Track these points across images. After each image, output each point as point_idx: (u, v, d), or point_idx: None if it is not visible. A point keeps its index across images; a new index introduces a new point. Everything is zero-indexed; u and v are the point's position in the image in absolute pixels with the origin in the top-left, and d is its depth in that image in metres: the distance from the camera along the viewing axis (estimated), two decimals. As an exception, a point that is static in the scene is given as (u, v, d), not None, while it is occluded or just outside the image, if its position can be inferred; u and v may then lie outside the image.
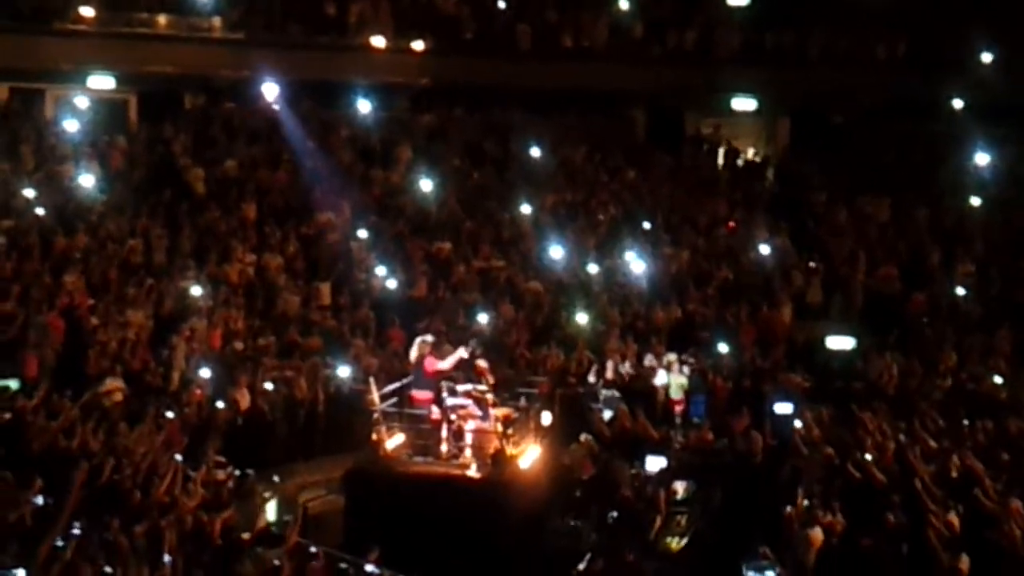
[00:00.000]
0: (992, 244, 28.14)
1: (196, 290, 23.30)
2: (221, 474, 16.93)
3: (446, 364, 18.25)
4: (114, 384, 19.81)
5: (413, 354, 18.60)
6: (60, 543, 13.80)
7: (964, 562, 14.21)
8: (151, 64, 31.06)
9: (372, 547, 15.42)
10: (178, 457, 16.99)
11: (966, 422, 19.40)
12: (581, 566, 16.45)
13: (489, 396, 18.29)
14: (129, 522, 14.68)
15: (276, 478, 17.78)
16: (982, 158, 30.10)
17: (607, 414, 20.86)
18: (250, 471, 17.71)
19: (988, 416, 19.57)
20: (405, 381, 18.80)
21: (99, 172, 27.12)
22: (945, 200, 30.13)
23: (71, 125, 28.96)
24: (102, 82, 30.72)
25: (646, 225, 28.33)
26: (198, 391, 20.03)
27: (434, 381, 18.18)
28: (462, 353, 18.38)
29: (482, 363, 18.70)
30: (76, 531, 14.38)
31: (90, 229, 24.90)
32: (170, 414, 18.79)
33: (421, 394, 18.29)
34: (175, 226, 25.81)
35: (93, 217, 25.44)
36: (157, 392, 19.95)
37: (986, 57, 32.42)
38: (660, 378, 22.35)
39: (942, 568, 14.28)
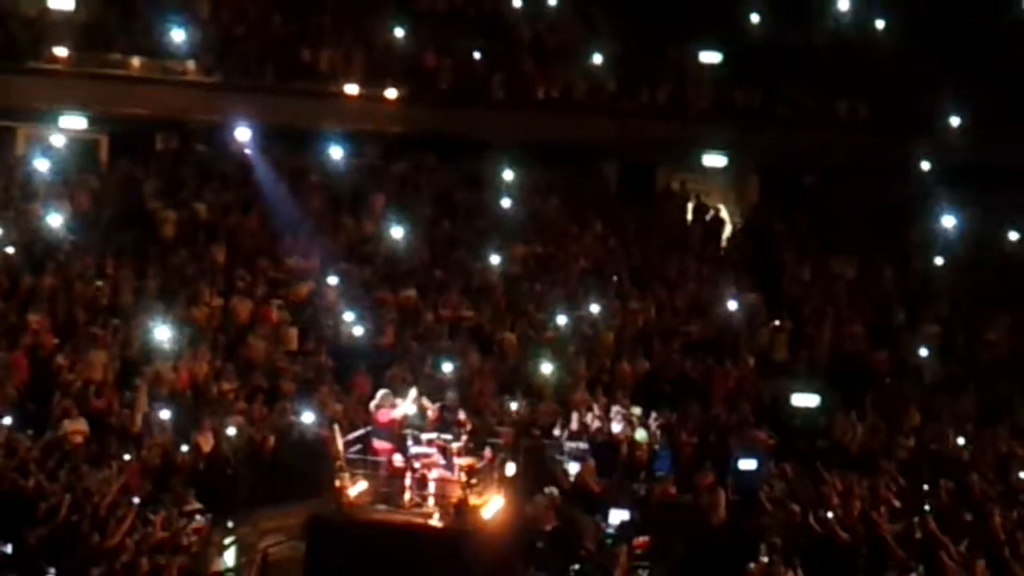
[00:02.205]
0: (957, 305, 28.33)
1: (162, 332, 23.16)
2: (198, 521, 16.80)
3: (397, 413, 18.30)
4: (75, 426, 19.68)
5: (372, 405, 18.65)
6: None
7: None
8: (123, 105, 30.97)
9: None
10: (136, 500, 16.86)
11: (928, 484, 19.45)
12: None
13: (454, 445, 18.27)
14: (86, 565, 14.57)
15: (233, 524, 17.59)
16: (948, 220, 30.37)
17: (571, 466, 20.82)
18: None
19: (951, 477, 19.65)
20: (368, 429, 18.75)
21: (68, 212, 27.02)
22: (911, 260, 30.34)
23: (42, 164, 28.84)
24: (74, 122, 30.60)
25: (615, 278, 28.41)
26: (160, 434, 19.91)
27: (390, 432, 18.19)
28: (407, 408, 18.42)
29: (460, 413, 18.80)
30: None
31: (57, 268, 24.79)
32: (129, 457, 18.65)
33: (379, 444, 18.30)
34: (143, 267, 25.71)
35: (61, 256, 25.32)
36: (119, 434, 19.80)
37: (953, 120, 32.76)
38: (625, 431, 22.30)
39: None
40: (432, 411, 18.76)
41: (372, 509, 17.95)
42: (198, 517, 16.86)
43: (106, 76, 31.20)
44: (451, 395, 19.33)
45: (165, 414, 20.59)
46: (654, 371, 25.30)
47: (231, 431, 20.60)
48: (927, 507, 17.88)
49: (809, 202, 33.23)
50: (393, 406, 18.40)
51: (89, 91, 30.79)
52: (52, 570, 14.37)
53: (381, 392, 18.99)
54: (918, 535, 16.74)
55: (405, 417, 18.36)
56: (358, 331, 25.17)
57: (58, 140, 30.36)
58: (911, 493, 18.96)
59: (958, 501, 18.29)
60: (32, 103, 30.42)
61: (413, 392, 18.82)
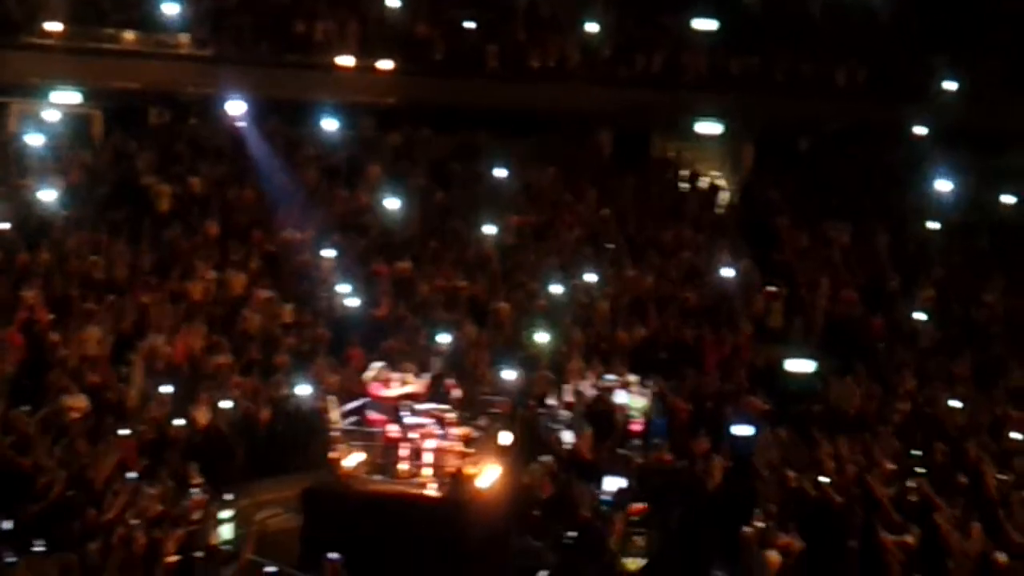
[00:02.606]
0: (952, 269, 28.36)
1: (157, 306, 23.20)
2: (195, 495, 16.86)
3: (392, 393, 18.39)
4: (72, 401, 19.72)
5: (368, 376, 18.72)
6: (13, 559, 13.75)
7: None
8: (117, 80, 30.96)
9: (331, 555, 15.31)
10: (133, 475, 16.92)
11: (923, 448, 19.51)
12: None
13: (449, 415, 18.35)
14: (83, 539, 14.64)
15: (231, 497, 17.65)
16: (943, 184, 30.34)
17: (567, 434, 20.88)
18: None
19: (946, 440, 19.72)
20: (364, 400, 18.84)
21: (62, 187, 27.02)
22: (907, 225, 30.34)
23: (35, 139, 28.80)
24: (67, 97, 30.53)
25: (610, 246, 28.43)
26: (156, 408, 19.96)
27: (383, 404, 18.31)
28: (410, 388, 18.52)
29: (449, 380, 18.85)
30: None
31: (52, 244, 24.80)
32: (127, 431, 18.69)
33: (374, 415, 18.41)
34: (137, 242, 25.72)
35: (55, 232, 25.33)
36: (116, 409, 19.84)
37: (949, 84, 32.71)
38: (621, 399, 22.34)
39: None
40: (420, 384, 18.86)
41: (368, 480, 18.04)
42: (194, 491, 16.88)
43: (99, 50, 31.18)
44: (439, 365, 19.34)
45: (163, 389, 20.62)
46: (649, 339, 25.30)
47: (227, 404, 20.62)
48: (922, 470, 17.94)
49: (804, 168, 33.24)
50: (388, 380, 18.50)
51: (82, 66, 30.75)
52: (48, 545, 14.38)
53: (376, 364, 19.09)
54: (913, 498, 16.81)
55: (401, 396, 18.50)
56: (353, 303, 25.18)
57: (51, 115, 30.27)
58: (906, 456, 19.02)
59: (953, 464, 18.37)
60: (25, 78, 30.39)
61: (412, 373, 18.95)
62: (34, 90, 30.57)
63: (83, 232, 25.54)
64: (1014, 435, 20.17)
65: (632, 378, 22.81)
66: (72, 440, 17.83)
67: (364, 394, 18.87)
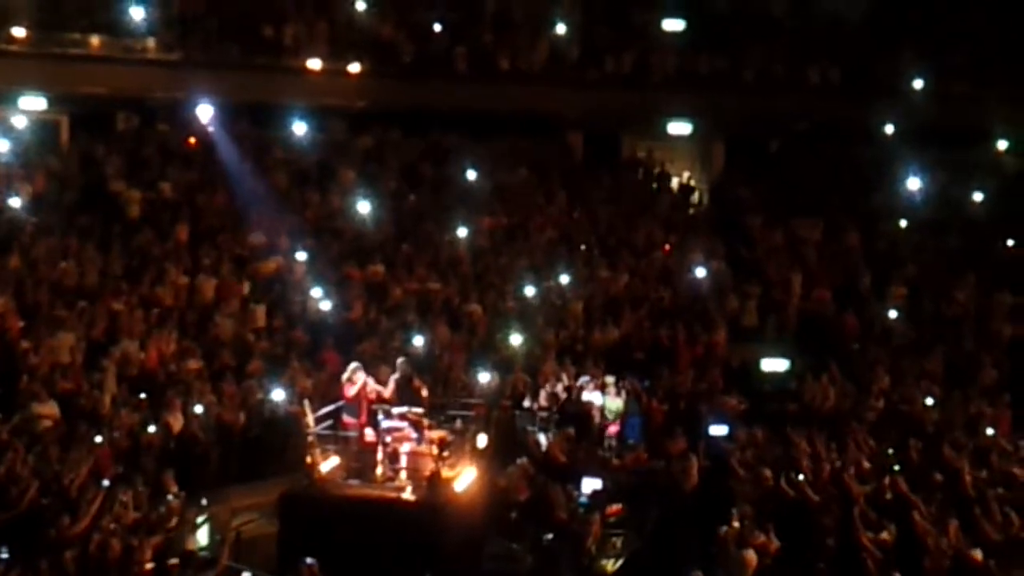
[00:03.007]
0: (924, 267, 28.46)
1: (129, 312, 23.06)
2: (174, 503, 16.75)
3: (352, 391, 18.34)
4: (44, 408, 19.56)
5: (343, 378, 18.71)
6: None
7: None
8: (83, 85, 30.72)
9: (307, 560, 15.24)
10: (107, 482, 16.79)
11: (897, 446, 19.54)
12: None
13: (425, 419, 18.30)
14: (57, 548, 14.51)
15: (205, 502, 17.56)
16: (913, 182, 30.48)
17: (543, 436, 20.86)
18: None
19: (921, 437, 19.76)
20: (339, 404, 18.78)
21: (30, 193, 26.82)
22: (877, 223, 30.44)
23: (2, 145, 28.60)
24: (33, 103, 30.32)
25: (582, 247, 28.43)
26: (129, 415, 19.82)
27: (356, 407, 18.28)
28: (370, 382, 18.49)
29: (416, 381, 18.81)
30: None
31: (21, 251, 24.60)
32: (100, 438, 18.56)
33: (348, 419, 18.42)
34: (107, 248, 25.54)
35: (24, 239, 25.13)
36: (88, 416, 19.69)
37: (917, 83, 32.85)
38: (596, 400, 22.33)
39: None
40: (389, 386, 18.80)
41: (344, 484, 17.98)
42: (169, 497, 16.77)
43: (65, 56, 30.95)
44: (405, 367, 19.25)
45: (136, 395, 20.49)
46: (623, 339, 25.32)
47: (200, 410, 20.50)
48: (897, 468, 17.97)
49: (774, 167, 33.33)
50: (352, 382, 18.50)
51: (48, 71, 30.51)
52: (21, 553, 14.25)
53: (351, 366, 19.02)
54: (888, 496, 16.83)
55: (364, 388, 18.41)
56: (326, 306, 25.09)
57: (18, 121, 30.07)
58: (882, 454, 19.05)
59: (928, 461, 18.40)
60: (-10, 84, 30.15)
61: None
62: (0, 96, 30.30)
63: (52, 238, 25.33)
64: (989, 432, 20.23)
65: (608, 379, 22.80)
66: (45, 448, 17.67)
67: (339, 397, 18.80)
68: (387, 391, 18.85)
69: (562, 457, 20.03)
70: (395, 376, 19.03)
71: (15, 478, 16.38)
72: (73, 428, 18.90)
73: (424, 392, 18.93)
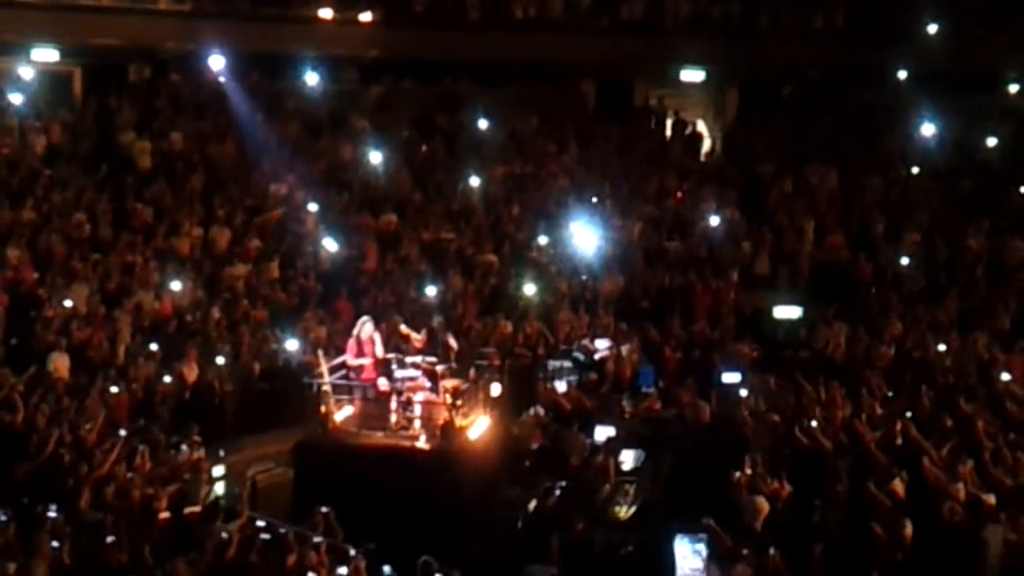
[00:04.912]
0: (937, 214, 28.34)
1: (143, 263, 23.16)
2: (191, 453, 16.87)
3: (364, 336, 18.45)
4: (59, 359, 19.69)
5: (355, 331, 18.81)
6: (2, 518, 13.76)
7: (907, 529, 14.34)
8: (96, 36, 30.67)
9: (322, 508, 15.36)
10: (122, 432, 16.93)
11: (910, 392, 19.57)
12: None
13: (439, 368, 18.38)
14: (75, 497, 14.65)
15: (222, 452, 17.69)
16: (927, 128, 30.33)
17: (556, 384, 20.92)
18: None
19: (933, 384, 19.79)
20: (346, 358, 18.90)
21: (44, 145, 26.85)
22: (891, 170, 30.30)
23: (15, 98, 28.62)
24: (46, 55, 30.31)
25: (595, 197, 28.38)
26: (144, 365, 19.94)
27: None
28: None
29: (449, 339, 18.86)
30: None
31: (35, 203, 24.67)
32: (116, 389, 18.69)
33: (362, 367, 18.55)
34: (121, 200, 25.59)
35: (39, 191, 25.19)
36: (103, 367, 19.82)
37: (931, 27, 32.62)
38: (609, 348, 22.36)
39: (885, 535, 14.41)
40: (419, 338, 18.86)
41: (359, 433, 18.09)
42: (184, 447, 16.90)
43: (77, 7, 30.88)
44: (438, 319, 19.41)
45: (151, 346, 20.60)
46: (636, 288, 25.32)
47: (216, 360, 20.61)
48: (909, 414, 18.01)
49: (787, 114, 33.14)
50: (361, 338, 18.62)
51: (60, 23, 30.45)
52: (41, 504, 14.39)
53: (363, 319, 19.09)
54: (900, 441, 16.89)
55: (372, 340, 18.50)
56: (339, 256, 25.13)
57: (31, 73, 30.07)
58: (893, 401, 19.09)
59: (940, 407, 18.42)
60: (3, 36, 30.06)
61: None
62: (12, 48, 30.27)
63: (66, 190, 25.39)
64: (1004, 377, 20.23)
65: (620, 327, 22.85)
66: (60, 398, 17.81)
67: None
68: (418, 338, 18.89)
69: (579, 404, 20.08)
70: (425, 329, 19.10)
71: (33, 428, 16.53)
72: (88, 379, 19.02)
73: (455, 348, 19.04)
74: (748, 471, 16.43)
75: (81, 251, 23.39)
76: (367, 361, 18.59)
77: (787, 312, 24.08)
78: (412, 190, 28.01)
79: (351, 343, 18.68)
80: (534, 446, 18.56)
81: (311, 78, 30.97)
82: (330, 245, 25.23)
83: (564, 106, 32.86)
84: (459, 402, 17.97)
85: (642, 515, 17.36)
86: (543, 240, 26.27)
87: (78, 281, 22.15)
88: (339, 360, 18.96)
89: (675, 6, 33.84)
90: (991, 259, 26.37)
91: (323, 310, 23.34)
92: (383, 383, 18.43)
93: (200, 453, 16.95)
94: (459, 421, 17.86)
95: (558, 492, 16.88)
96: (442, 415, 17.81)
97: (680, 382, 20.89)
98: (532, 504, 16.87)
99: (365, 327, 18.75)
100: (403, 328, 19.24)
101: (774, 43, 33.12)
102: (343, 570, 13.73)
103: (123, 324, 21.18)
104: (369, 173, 28.33)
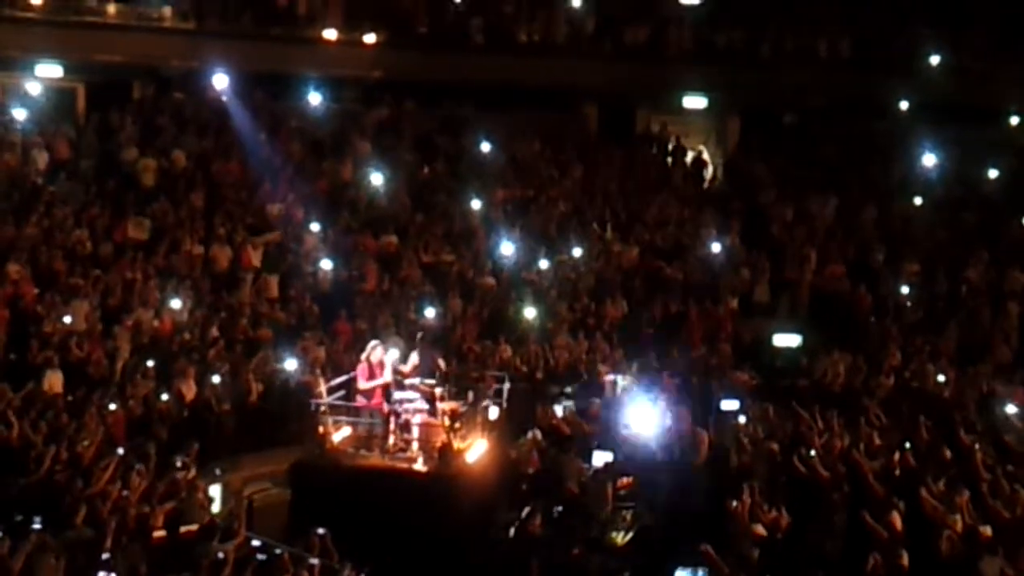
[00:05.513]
0: (937, 244, 28.40)
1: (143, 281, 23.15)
2: (188, 472, 16.83)
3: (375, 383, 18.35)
4: (56, 376, 19.67)
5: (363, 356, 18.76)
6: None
7: (904, 559, 14.31)
8: (100, 53, 30.69)
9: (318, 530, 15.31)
10: (120, 450, 16.88)
11: (909, 422, 19.54)
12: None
13: (437, 390, 18.35)
14: (70, 513, 14.60)
15: (219, 471, 17.66)
16: (929, 159, 30.42)
17: (555, 409, 20.89)
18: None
19: (932, 415, 19.76)
20: (352, 374, 18.83)
21: (46, 161, 26.88)
22: (892, 200, 30.37)
23: (19, 113, 28.64)
24: (50, 70, 30.34)
25: (595, 222, 28.43)
26: (142, 383, 19.91)
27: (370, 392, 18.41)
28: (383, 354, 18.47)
29: (439, 361, 18.87)
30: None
31: (37, 219, 24.67)
32: (113, 406, 18.66)
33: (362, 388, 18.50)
34: (122, 217, 25.60)
35: (40, 207, 25.19)
36: (101, 383, 19.79)
37: (934, 59, 32.74)
38: (608, 373, 22.34)
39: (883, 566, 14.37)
40: (410, 362, 18.83)
41: (356, 454, 18.05)
42: (180, 464, 16.85)
43: (82, 23, 30.88)
44: (426, 340, 19.31)
45: (149, 363, 20.58)
46: (636, 313, 25.33)
47: (214, 379, 20.59)
48: (907, 444, 17.99)
49: (789, 142, 33.23)
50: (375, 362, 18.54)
51: (65, 39, 30.42)
52: (37, 520, 14.35)
53: (373, 342, 19.04)
54: (898, 472, 16.86)
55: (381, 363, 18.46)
56: (339, 277, 25.14)
57: (34, 89, 30.10)
58: (892, 431, 19.06)
59: (939, 438, 18.40)
60: (7, 52, 30.07)
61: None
62: (16, 64, 30.27)
63: (68, 206, 25.38)
64: (1000, 410, 20.21)
65: (619, 352, 22.85)
66: (58, 415, 17.78)
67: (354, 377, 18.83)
68: (407, 367, 18.85)
69: (577, 429, 20.04)
70: (416, 352, 19.06)
71: (30, 445, 16.49)
72: (86, 396, 18.99)
73: (442, 365, 18.99)
74: (746, 499, 16.38)
75: (82, 267, 23.36)
76: (380, 382, 18.51)
77: (786, 340, 24.10)
78: (413, 212, 28.05)
79: (362, 367, 18.57)
80: (531, 470, 18.52)
81: (314, 98, 31.03)
82: (329, 266, 25.21)
83: (566, 131, 32.94)
84: (457, 425, 17.92)
85: (639, 541, 17.31)
86: (543, 264, 26.28)
87: (78, 297, 22.13)
88: (340, 380, 18.92)
89: (678, 33, 33.97)
90: (990, 290, 26.41)
91: (322, 330, 23.33)
92: (381, 404, 18.41)
93: (190, 470, 16.89)
94: (457, 444, 17.81)
95: (541, 516, 16.82)
96: (440, 437, 17.76)
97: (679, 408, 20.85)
98: (513, 527, 16.82)
99: (376, 350, 18.67)
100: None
101: (776, 72, 33.22)
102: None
103: (122, 341, 21.17)
104: (370, 194, 28.36)
